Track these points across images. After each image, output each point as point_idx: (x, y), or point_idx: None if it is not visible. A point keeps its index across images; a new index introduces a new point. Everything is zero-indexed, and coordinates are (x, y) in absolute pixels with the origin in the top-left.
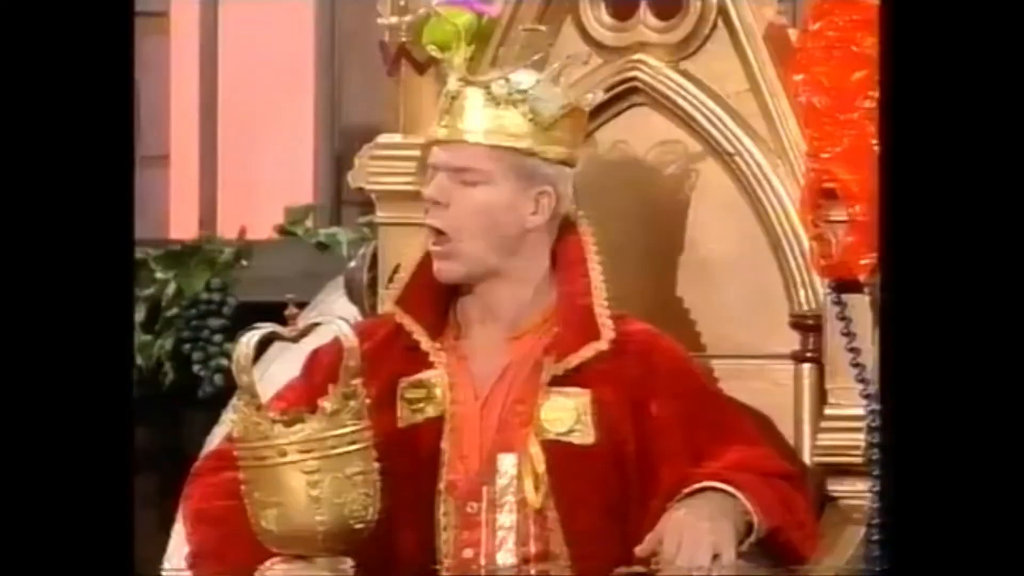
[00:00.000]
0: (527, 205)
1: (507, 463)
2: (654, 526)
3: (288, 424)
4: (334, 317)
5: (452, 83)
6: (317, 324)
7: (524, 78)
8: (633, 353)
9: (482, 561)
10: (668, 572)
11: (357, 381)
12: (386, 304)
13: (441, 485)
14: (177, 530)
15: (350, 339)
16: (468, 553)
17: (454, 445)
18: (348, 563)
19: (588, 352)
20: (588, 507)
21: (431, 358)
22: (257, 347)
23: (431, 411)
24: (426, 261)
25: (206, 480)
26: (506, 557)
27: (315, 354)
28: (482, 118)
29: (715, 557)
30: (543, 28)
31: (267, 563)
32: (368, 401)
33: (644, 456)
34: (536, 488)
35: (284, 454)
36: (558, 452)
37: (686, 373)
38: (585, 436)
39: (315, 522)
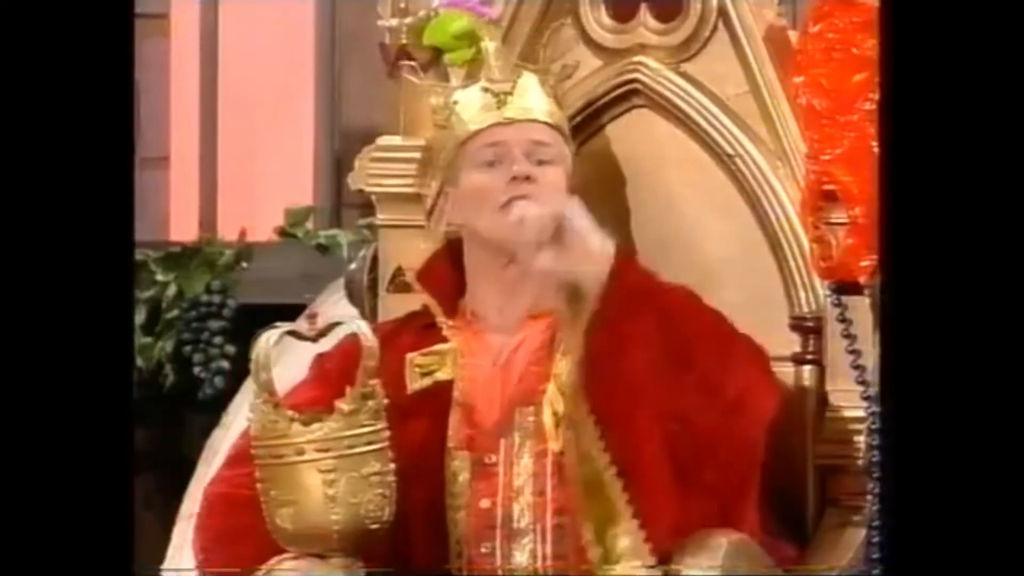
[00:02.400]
0: (567, 192)
1: (526, 415)
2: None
3: (306, 423)
4: (353, 317)
5: (505, 69)
6: (337, 324)
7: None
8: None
9: (499, 511)
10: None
11: (375, 381)
12: (409, 277)
13: (451, 444)
14: (177, 531)
15: (369, 338)
16: (485, 503)
17: (467, 403)
18: (359, 564)
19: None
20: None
21: (444, 333)
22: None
23: (442, 375)
24: (445, 250)
25: (237, 468)
26: (522, 508)
27: (324, 356)
28: (541, 101)
29: None
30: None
31: (274, 559)
32: (386, 402)
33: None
34: (556, 426)
35: (301, 452)
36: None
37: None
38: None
39: (330, 521)
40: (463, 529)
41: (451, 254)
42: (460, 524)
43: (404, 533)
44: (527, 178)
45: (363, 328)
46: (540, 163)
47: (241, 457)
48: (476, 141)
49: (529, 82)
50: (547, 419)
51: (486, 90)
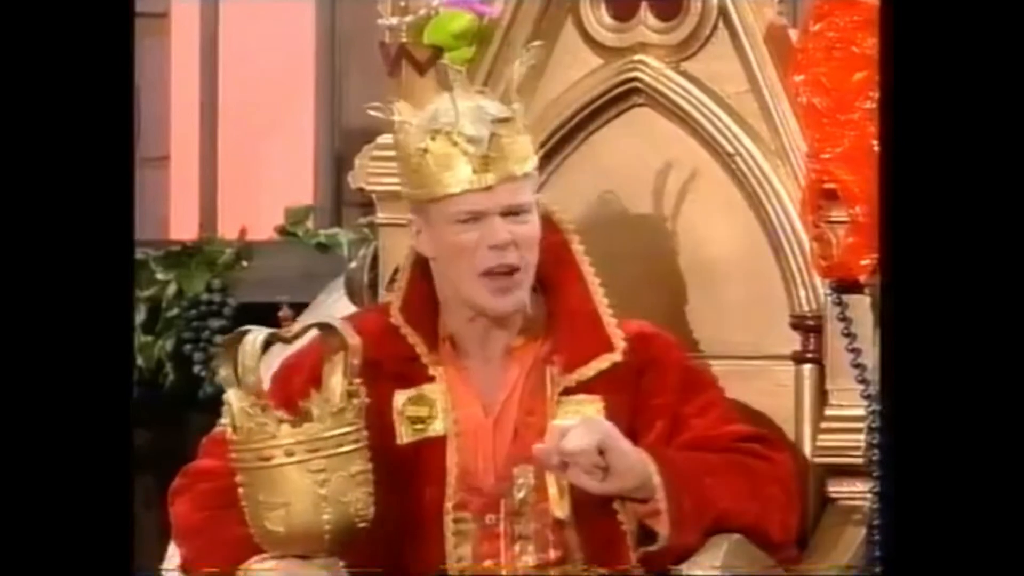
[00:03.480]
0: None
1: (525, 475)
2: None
3: (295, 424)
4: (332, 317)
5: (478, 127)
6: (313, 326)
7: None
8: (636, 350)
9: (503, 573)
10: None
11: (359, 380)
12: (392, 314)
13: (449, 504)
14: None
15: (353, 336)
16: (489, 564)
17: (463, 461)
18: (341, 564)
19: (603, 364)
20: (606, 512)
21: (430, 371)
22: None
23: (434, 430)
24: (421, 271)
25: (181, 501)
26: (528, 564)
27: (290, 360)
28: (517, 150)
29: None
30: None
31: (252, 559)
32: (367, 400)
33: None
34: (560, 495)
35: (291, 454)
36: None
37: (674, 355)
38: None
39: (322, 521)
40: None
41: (422, 276)
42: None
43: None
44: (505, 246)
45: (345, 327)
46: (519, 215)
47: (180, 489)
48: (451, 204)
49: (504, 135)
50: (552, 491)
51: (457, 146)
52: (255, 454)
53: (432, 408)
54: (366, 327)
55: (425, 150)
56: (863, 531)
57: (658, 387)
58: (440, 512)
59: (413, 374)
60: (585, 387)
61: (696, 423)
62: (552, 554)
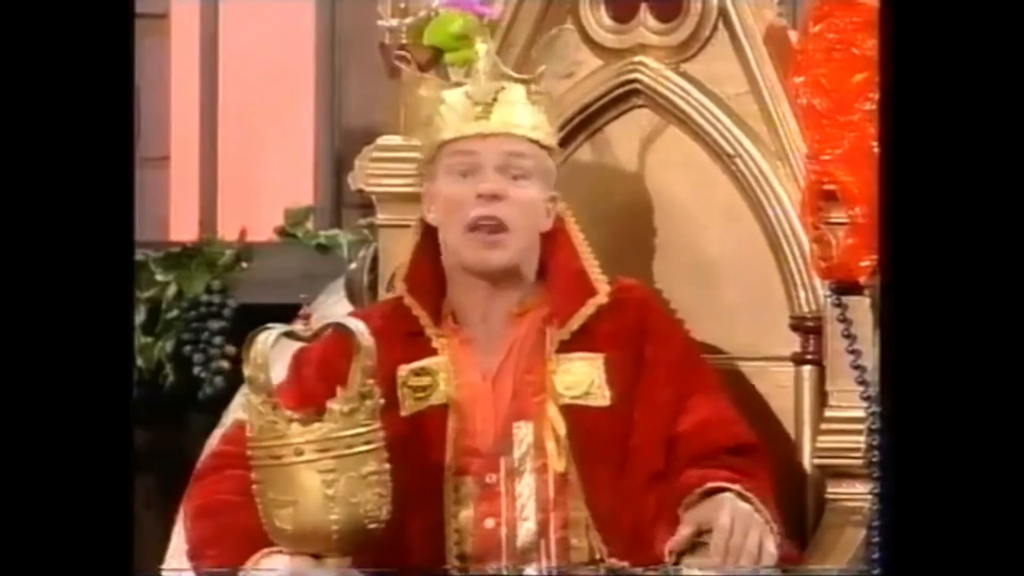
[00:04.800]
0: (544, 208)
1: (523, 431)
2: (638, 468)
3: (305, 423)
4: (348, 317)
5: (486, 81)
6: (332, 325)
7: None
8: (629, 307)
9: (503, 530)
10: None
11: (372, 381)
12: (396, 286)
13: (449, 467)
14: (177, 531)
15: (367, 338)
16: (490, 523)
17: (463, 427)
18: (351, 564)
19: (589, 309)
20: (609, 468)
21: (433, 344)
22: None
23: (435, 399)
24: (425, 246)
25: (207, 480)
26: (527, 526)
27: (301, 354)
28: (525, 114)
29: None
30: (569, 27)
31: (259, 553)
32: (382, 402)
33: (636, 401)
34: (558, 452)
35: (300, 453)
36: (577, 416)
37: (673, 325)
38: (601, 399)
39: (329, 521)
40: (469, 550)
41: (428, 248)
42: (465, 544)
43: (401, 548)
44: (495, 196)
45: (360, 328)
46: (515, 178)
47: (207, 470)
48: (451, 148)
49: (514, 94)
50: (550, 445)
51: (469, 97)
52: (267, 452)
53: (434, 378)
54: (379, 307)
55: (441, 100)
56: (863, 532)
57: (661, 365)
58: (440, 478)
59: (418, 349)
60: (582, 343)
61: (692, 418)
62: (553, 515)
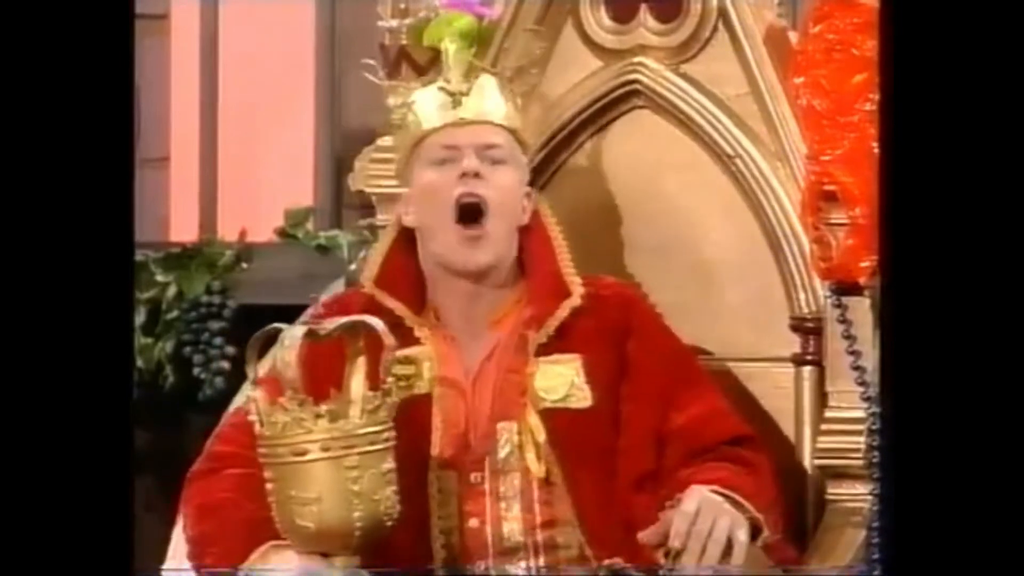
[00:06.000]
0: (521, 200)
1: (508, 432)
2: (627, 468)
3: (333, 419)
4: (368, 316)
5: (460, 72)
6: (348, 322)
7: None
8: (610, 305)
9: (488, 530)
10: (679, 534)
11: (392, 379)
12: (367, 287)
13: (434, 462)
14: (178, 531)
15: (389, 336)
16: (474, 523)
17: (446, 420)
18: (357, 562)
19: (563, 312)
20: (593, 470)
21: (416, 333)
22: (262, 347)
23: (420, 388)
24: (400, 241)
25: (204, 480)
26: (512, 525)
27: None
28: (499, 103)
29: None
30: (541, 28)
31: (258, 552)
32: (398, 401)
33: (623, 400)
34: (538, 458)
35: (327, 449)
36: (557, 419)
37: (658, 321)
38: (581, 400)
39: (353, 518)
40: (455, 549)
41: (404, 248)
42: (451, 543)
43: (388, 545)
44: (476, 175)
45: (380, 327)
46: (494, 163)
47: (203, 471)
48: (429, 140)
49: (487, 83)
50: (529, 454)
51: (442, 89)
52: (289, 448)
53: (418, 367)
54: (350, 306)
55: (413, 101)
56: (863, 533)
57: (648, 357)
58: (425, 472)
59: (400, 338)
60: (561, 345)
61: (685, 414)
62: (538, 515)
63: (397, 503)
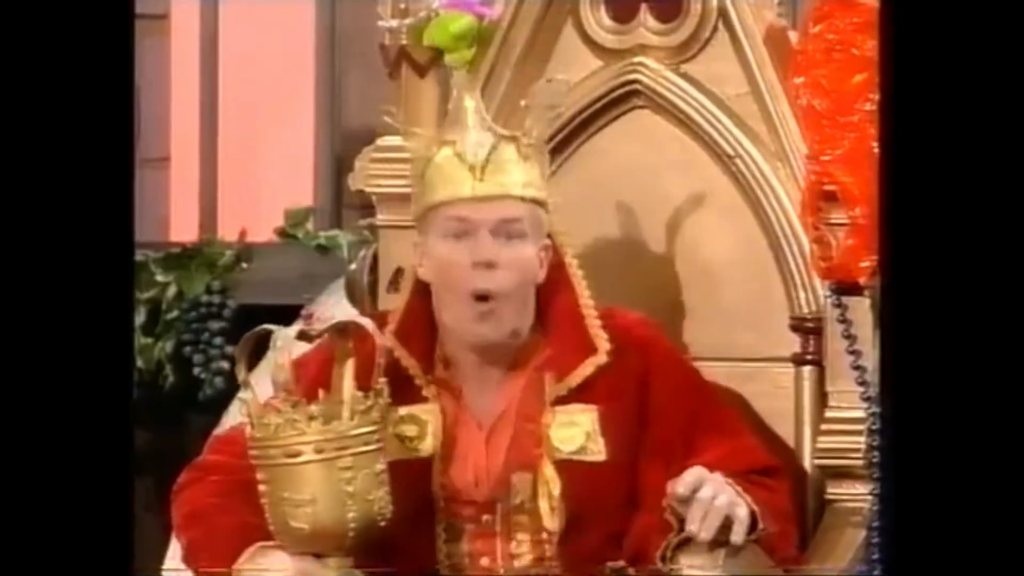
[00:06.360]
0: (537, 261)
1: (522, 482)
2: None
3: (326, 420)
4: (358, 316)
5: (481, 137)
6: (340, 324)
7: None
8: (630, 353)
9: (500, 567)
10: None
11: (384, 380)
12: (387, 336)
13: (440, 527)
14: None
15: (382, 337)
16: (485, 561)
17: (451, 482)
18: (351, 563)
19: (588, 369)
20: (599, 525)
21: (424, 392)
22: (255, 350)
23: (424, 450)
24: (420, 294)
25: (191, 489)
26: (524, 563)
27: (300, 364)
28: (519, 173)
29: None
30: (566, 79)
31: (248, 552)
32: (390, 401)
33: (641, 448)
34: (551, 509)
35: (321, 451)
36: (572, 471)
37: (679, 365)
38: (596, 453)
39: (347, 519)
40: None
41: (421, 298)
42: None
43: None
44: (489, 265)
45: (370, 325)
46: (509, 238)
47: (190, 481)
48: (444, 211)
49: (506, 151)
50: (543, 504)
51: (459, 156)
52: (282, 450)
53: (422, 428)
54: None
55: (431, 159)
56: (863, 533)
57: (667, 405)
58: (430, 525)
59: (407, 392)
60: (579, 395)
61: (709, 454)
62: (548, 550)
63: (390, 503)
